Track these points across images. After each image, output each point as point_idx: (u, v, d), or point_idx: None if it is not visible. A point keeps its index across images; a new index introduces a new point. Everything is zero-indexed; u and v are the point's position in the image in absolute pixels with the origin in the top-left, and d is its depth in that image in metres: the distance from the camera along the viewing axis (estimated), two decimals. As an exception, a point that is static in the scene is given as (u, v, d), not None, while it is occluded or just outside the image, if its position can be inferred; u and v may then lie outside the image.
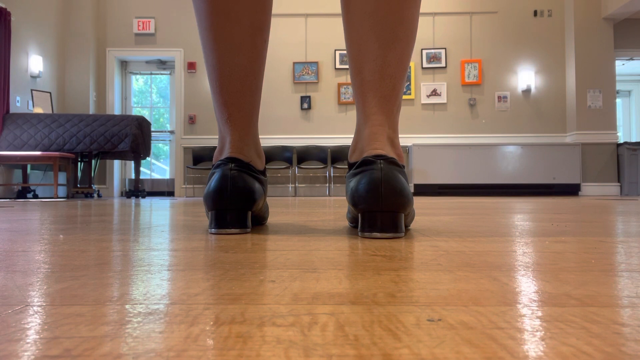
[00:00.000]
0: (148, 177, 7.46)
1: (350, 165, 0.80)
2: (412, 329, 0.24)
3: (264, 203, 0.88)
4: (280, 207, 1.99)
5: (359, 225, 0.70)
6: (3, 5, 5.34)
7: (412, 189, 6.45)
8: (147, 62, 7.33)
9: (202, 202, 0.83)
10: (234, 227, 0.76)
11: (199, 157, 6.78)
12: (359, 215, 0.70)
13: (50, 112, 6.03)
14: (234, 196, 0.75)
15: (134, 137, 5.40)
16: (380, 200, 0.67)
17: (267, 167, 6.64)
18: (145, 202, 3.22)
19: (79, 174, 5.97)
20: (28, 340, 0.22)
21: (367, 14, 0.75)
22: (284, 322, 0.25)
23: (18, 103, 5.74)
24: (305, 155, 6.78)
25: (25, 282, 0.37)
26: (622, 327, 0.24)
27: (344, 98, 6.89)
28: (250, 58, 0.82)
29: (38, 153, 4.94)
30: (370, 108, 0.75)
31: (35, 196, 5.59)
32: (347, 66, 6.92)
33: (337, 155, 6.76)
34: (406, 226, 0.82)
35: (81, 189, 5.71)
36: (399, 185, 0.68)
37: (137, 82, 7.58)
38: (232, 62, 0.81)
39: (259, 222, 0.94)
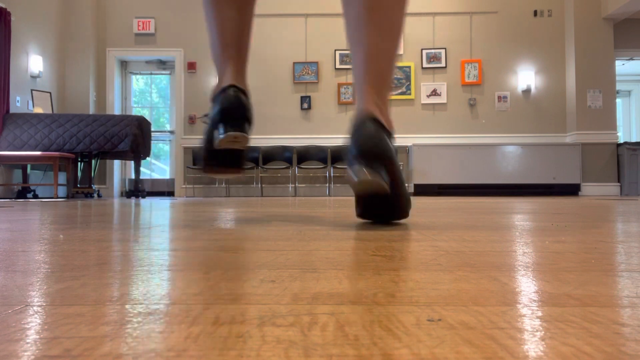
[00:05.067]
0: (148, 177, 7.47)
1: None
2: (412, 329, 0.24)
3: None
4: (280, 207, 1.99)
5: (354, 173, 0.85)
6: (3, 5, 5.34)
7: (412, 189, 6.45)
8: (147, 62, 7.33)
9: (208, 121, 1.06)
10: (236, 131, 0.96)
11: (199, 157, 6.77)
12: (353, 163, 0.85)
13: (50, 112, 6.03)
14: (238, 108, 0.97)
15: (134, 137, 5.40)
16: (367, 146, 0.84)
17: (267, 167, 6.65)
18: (145, 202, 3.22)
19: (79, 174, 5.97)
20: (28, 340, 0.22)
21: (363, 11, 0.94)
22: (284, 322, 0.25)
23: (18, 103, 5.74)
24: (305, 155, 6.78)
25: (25, 282, 0.37)
26: (622, 327, 0.24)
27: (344, 98, 6.89)
28: (240, 11, 1.04)
29: (38, 153, 4.94)
30: (364, 85, 0.93)
31: (35, 196, 5.59)
32: (347, 66, 6.92)
33: (337, 155, 6.76)
34: (403, 210, 0.96)
35: (81, 189, 5.71)
36: (376, 136, 0.85)
37: (137, 82, 7.58)
38: (228, 15, 1.03)
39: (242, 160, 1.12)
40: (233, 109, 0.97)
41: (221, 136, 0.97)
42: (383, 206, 0.94)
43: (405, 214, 0.98)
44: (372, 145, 0.84)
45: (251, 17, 1.08)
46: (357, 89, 0.95)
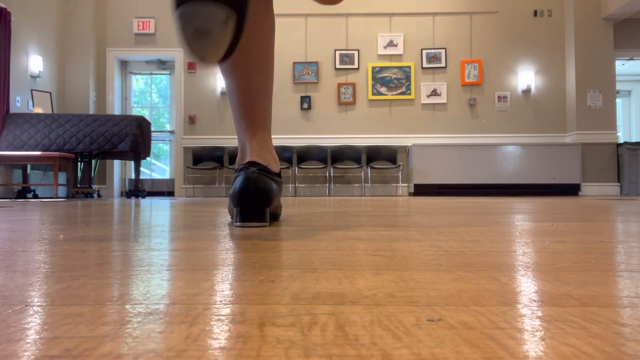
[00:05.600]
0: (148, 177, 7.46)
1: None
2: (412, 329, 0.24)
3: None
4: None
5: (235, 218, 0.90)
6: (3, 5, 5.34)
7: (412, 189, 6.45)
8: (147, 62, 7.33)
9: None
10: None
11: (199, 157, 6.78)
12: (235, 209, 0.90)
13: (50, 112, 6.03)
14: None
15: (134, 137, 5.40)
16: (250, 196, 0.89)
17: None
18: (145, 202, 3.22)
19: (79, 174, 5.97)
20: (28, 340, 0.22)
21: (236, 56, 0.99)
22: (284, 322, 0.25)
23: (18, 103, 5.74)
24: (305, 155, 6.78)
25: (25, 282, 0.37)
26: (622, 327, 0.24)
27: (344, 98, 6.89)
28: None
29: (38, 153, 4.94)
30: (247, 123, 1.01)
31: (35, 196, 5.59)
32: (347, 66, 6.92)
33: (337, 155, 6.76)
34: (276, 217, 1.04)
35: (81, 189, 5.71)
36: (263, 185, 0.90)
37: (137, 82, 7.58)
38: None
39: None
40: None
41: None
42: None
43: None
44: (245, 197, 0.89)
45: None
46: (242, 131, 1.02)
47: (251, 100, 1.01)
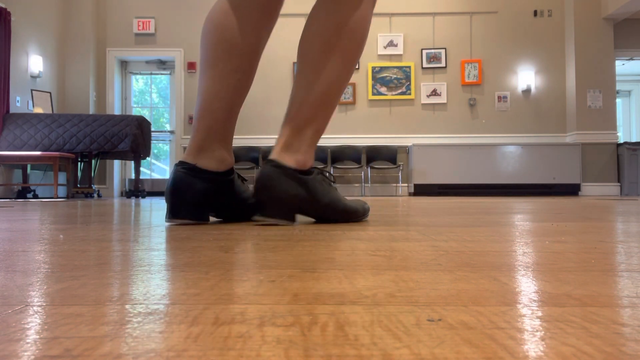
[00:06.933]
0: (148, 177, 7.46)
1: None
2: (412, 329, 0.24)
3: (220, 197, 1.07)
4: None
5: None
6: (3, 5, 5.34)
7: (412, 189, 6.45)
8: (147, 62, 7.33)
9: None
10: (174, 219, 0.99)
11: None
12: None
13: (50, 112, 6.03)
14: (176, 192, 0.99)
15: (134, 137, 5.40)
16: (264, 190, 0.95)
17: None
18: (145, 202, 3.22)
19: (79, 174, 5.97)
20: (28, 340, 0.22)
21: (300, 64, 1.02)
22: (284, 322, 0.25)
23: (18, 103, 5.74)
24: (305, 155, 6.77)
25: (25, 282, 0.37)
26: (622, 327, 0.24)
27: (344, 98, 6.89)
28: (223, 85, 1.04)
29: (38, 153, 4.94)
30: (287, 121, 1.02)
31: (35, 196, 5.59)
32: (347, 66, 6.91)
33: (337, 155, 6.76)
34: (342, 219, 1.02)
35: (81, 189, 5.71)
36: (268, 183, 0.95)
37: (137, 82, 7.58)
38: (209, 86, 1.05)
39: (244, 207, 1.10)
40: (174, 192, 0.98)
41: (167, 221, 0.99)
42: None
43: (344, 220, 1.03)
44: (266, 194, 0.95)
45: (238, 91, 1.06)
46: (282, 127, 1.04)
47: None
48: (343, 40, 0.99)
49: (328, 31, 0.99)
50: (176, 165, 1.01)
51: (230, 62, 1.04)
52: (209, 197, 1.01)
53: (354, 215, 1.04)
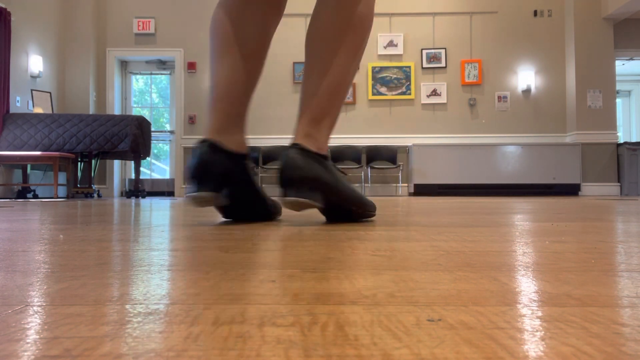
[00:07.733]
0: (148, 177, 7.46)
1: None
2: (412, 329, 0.24)
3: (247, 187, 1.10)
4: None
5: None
6: (3, 5, 5.34)
7: (412, 189, 6.45)
8: (147, 62, 7.33)
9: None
10: (202, 191, 0.99)
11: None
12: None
13: (50, 112, 6.02)
14: (205, 167, 1.00)
15: (134, 137, 5.40)
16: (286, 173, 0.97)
17: (266, 167, 6.64)
18: (145, 202, 3.22)
19: (79, 174, 5.97)
20: (28, 340, 0.22)
21: (311, 51, 1.06)
22: (284, 322, 0.25)
23: (18, 103, 5.74)
24: (305, 155, 6.77)
25: (25, 282, 0.37)
26: (622, 327, 0.24)
27: (344, 98, 6.88)
28: (237, 70, 1.09)
29: (38, 153, 4.94)
30: (302, 113, 1.05)
31: (35, 196, 5.59)
32: (347, 66, 6.91)
33: (337, 155, 6.76)
34: (356, 214, 1.03)
35: (81, 189, 5.71)
36: (296, 163, 0.97)
37: (137, 82, 7.58)
38: (225, 71, 1.09)
39: (266, 213, 1.13)
40: (200, 167, 1.00)
41: (189, 194, 1.00)
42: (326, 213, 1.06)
43: (358, 216, 1.05)
44: (291, 174, 0.97)
45: (251, 76, 1.11)
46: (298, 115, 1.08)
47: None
48: (349, 33, 1.04)
49: (334, 25, 1.03)
50: (200, 142, 1.04)
51: (245, 48, 1.10)
52: (229, 175, 1.04)
53: (368, 208, 1.06)
